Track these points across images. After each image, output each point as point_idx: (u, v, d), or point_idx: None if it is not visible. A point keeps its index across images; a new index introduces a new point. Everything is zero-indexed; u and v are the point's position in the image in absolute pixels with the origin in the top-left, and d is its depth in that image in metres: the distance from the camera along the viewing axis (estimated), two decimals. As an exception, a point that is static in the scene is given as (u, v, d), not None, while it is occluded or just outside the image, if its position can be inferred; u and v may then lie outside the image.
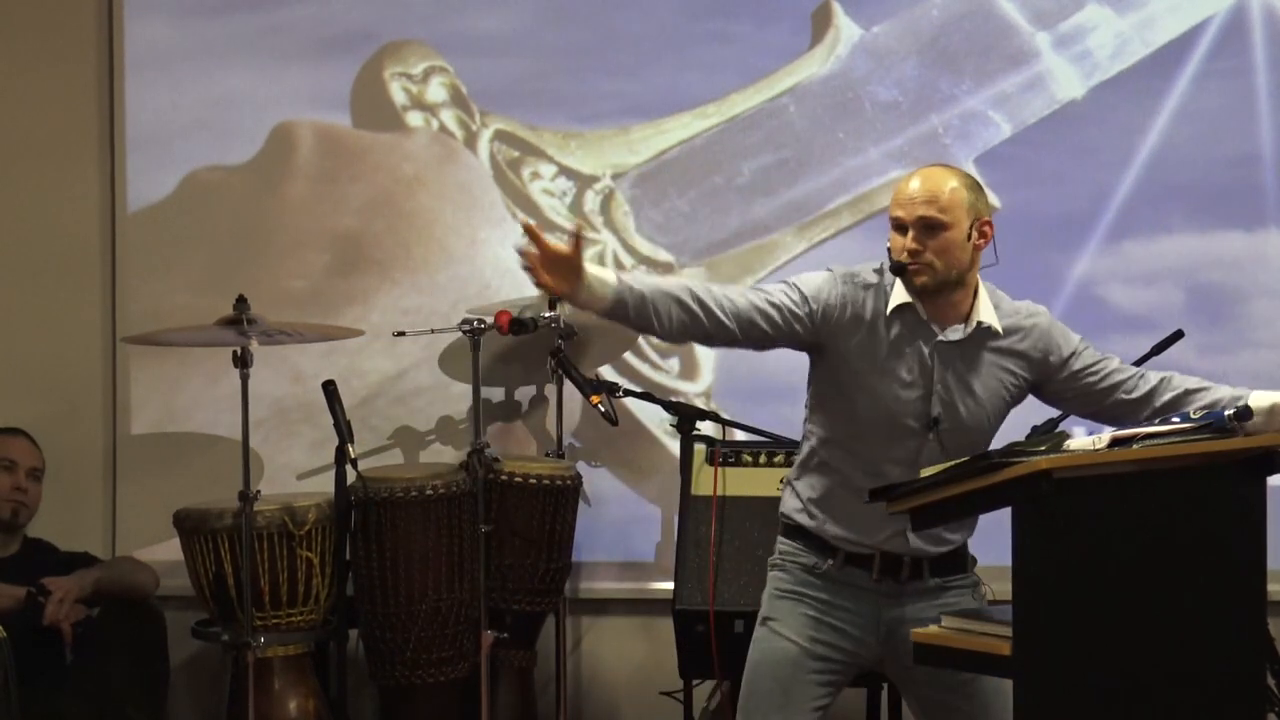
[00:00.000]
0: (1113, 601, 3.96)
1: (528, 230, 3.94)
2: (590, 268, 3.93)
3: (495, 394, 6.01)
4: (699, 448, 5.44)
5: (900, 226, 4.09)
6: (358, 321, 5.96)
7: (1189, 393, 4.22)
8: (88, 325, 6.09)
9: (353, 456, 5.42)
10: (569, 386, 5.69)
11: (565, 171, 6.04)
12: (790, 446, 5.28)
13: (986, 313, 4.15)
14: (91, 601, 5.54)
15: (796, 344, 4.14)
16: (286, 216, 6.12)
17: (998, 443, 4.35)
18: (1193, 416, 4.04)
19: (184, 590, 5.67)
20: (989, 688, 4.14)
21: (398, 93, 6.08)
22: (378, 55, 6.09)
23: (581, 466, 5.90)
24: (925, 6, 5.96)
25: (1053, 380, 4.22)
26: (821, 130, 5.99)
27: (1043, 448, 4.00)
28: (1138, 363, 5.18)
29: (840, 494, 4.17)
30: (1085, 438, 4.07)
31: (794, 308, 4.07)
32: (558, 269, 3.92)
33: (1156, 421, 4.08)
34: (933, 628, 4.26)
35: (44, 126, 6.10)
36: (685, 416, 5.54)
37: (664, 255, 6.02)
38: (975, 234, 4.10)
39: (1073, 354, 4.21)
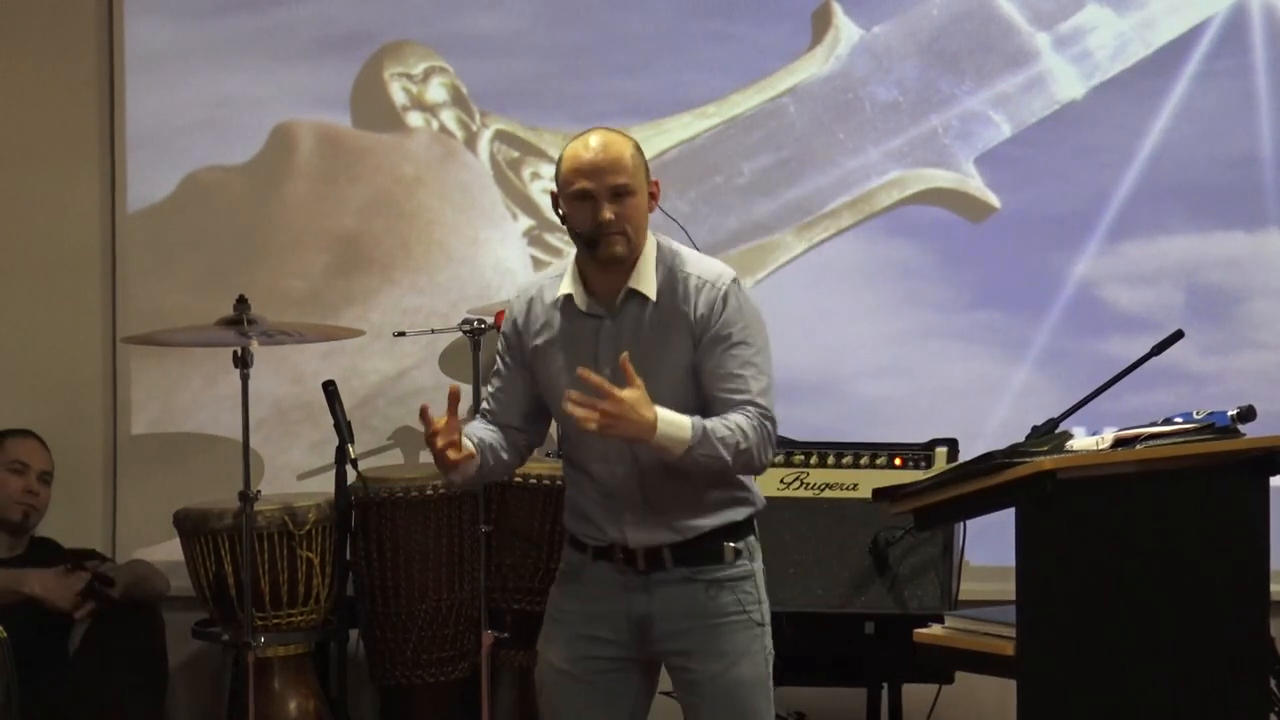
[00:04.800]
0: (1115, 601, 3.97)
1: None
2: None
3: (495, 394, 6.00)
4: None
5: (586, 196, 3.89)
6: (358, 321, 5.96)
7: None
8: (88, 325, 6.08)
9: (353, 456, 5.41)
10: (569, 387, 5.69)
11: (565, 172, 6.04)
12: (788, 446, 5.30)
13: (640, 278, 3.94)
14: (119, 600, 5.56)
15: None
16: (286, 216, 6.12)
17: (999, 443, 4.35)
18: (1196, 416, 4.05)
19: (184, 590, 5.66)
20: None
21: (398, 93, 6.08)
22: (378, 55, 6.09)
23: (582, 467, 5.89)
24: (925, 6, 5.96)
25: (697, 350, 3.92)
26: (821, 130, 5.99)
27: (1045, 448, 4.01)
28: (1138, 363, 5.18)
29: (573, 491, 4.07)
30: (1088, 438, 4.07)
31: (508, 382, 4.08)
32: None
33: (1159, 421, 4.08)
34: (936, 628, 4.28)
35: (44, 126, 6.09)
36: (685, 416, 5.53)
37: (664, 255, 6.01)
38: (649, 198, 3.95)
39: (715, 338, 3.90)
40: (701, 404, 3.92)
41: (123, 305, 6.08)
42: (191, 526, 5.50)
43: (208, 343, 5.59)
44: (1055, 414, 5.04)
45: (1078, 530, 3.97)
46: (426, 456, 5.95)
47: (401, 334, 5.81)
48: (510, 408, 4.11)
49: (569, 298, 3.99)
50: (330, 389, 5.48)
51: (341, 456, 5.45)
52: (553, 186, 4.00)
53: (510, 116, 6.07)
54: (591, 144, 3.93)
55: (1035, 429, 4.95)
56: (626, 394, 3.78)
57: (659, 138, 5.99)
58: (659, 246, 3.99)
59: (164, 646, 5.73)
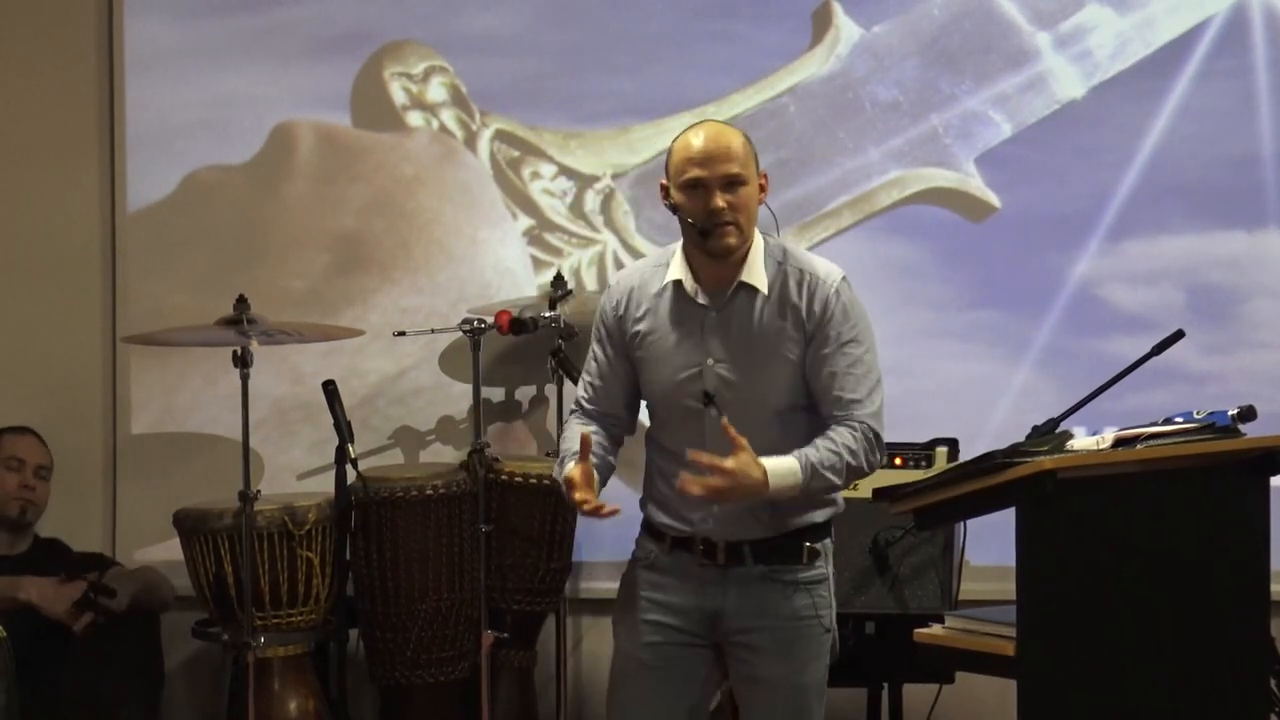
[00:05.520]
0: (1116, 601, 3.97)
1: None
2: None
3: (495, 394, 6.00)
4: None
5: (698, 186, 3.93)
6: (358, 321, 5.96)
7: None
8: (88, 325, 6.09)
9: (353, 456, 5.41)
10: (569, 386, 5.69)
11: (565, 171, 6.04)
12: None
13: (751, 271, 3.99)
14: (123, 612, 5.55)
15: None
16: (286, 216, 6.12)
17: (999, 443, 4.36)
18: (1196, 416, 4.05)
19: (184, 590, 5.66)
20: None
21: (398, 93, 6.08)
22: (378, 55, 6.09)
23: (582, 466, 5.88)
24: (925, 6, 5.96)
25: (808, 347, 3.97)
26: (821, 130, 5.99)
27: (1045, 448, 4.01)
28: (1138, 363, 5.18)
29: (657, 481, 4.10)
30: (1088, 438, 4.07)
31: (609, 371, 4.10)
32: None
33: (1159, 421, 4.08)
34: (936, 628, 4.27)
35: (44, 126, 6.09)
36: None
37: (664, 255, 6.01)
38: (759, 189, 3.99)
39: (826, 337, 3.96)
40: (808, 399, 3.97)
41: (123, 305, 6.08)
42: (191, 526, 5.50)
43: (208, 342, 5.59)
44: (1055, 414, 5.04)
45: (1078, 530, 3.97)
46: (426, 456, 6.01)
47: (401, 334, 5.81)
48: (612, 397, 4.12)
49: (678, 283, 4.02)
50: (330, 389, 5.48)
51: (341, 456, 5.45)
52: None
53: (510, 116, 6.07)
54: (703, 133, 3.97)
55: (1035, 429, 4.95)
56: (733, 463, 3.81)
57: (659, 138, 5.98)
58: (766, 242, 4.03)
59: (159, 646, 5.74)
